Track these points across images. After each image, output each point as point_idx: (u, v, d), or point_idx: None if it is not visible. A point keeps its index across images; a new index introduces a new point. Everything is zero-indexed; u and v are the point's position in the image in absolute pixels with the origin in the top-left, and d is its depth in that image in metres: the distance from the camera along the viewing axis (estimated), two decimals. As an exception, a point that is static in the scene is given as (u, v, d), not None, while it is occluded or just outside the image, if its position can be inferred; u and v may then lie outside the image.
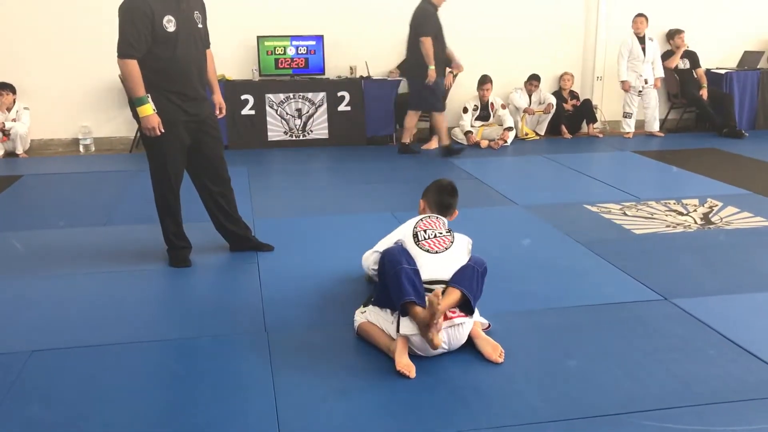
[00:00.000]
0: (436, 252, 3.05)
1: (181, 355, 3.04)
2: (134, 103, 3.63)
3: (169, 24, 3.60)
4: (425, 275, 2.97)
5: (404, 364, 2.79)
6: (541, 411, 2.54)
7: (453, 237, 3.15)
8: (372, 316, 3.06)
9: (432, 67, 6.83)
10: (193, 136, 3.86)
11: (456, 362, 2.92)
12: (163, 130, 3.67)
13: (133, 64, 3.56)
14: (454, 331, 2.90)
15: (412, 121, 7.36)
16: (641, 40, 8.08)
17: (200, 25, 3.82)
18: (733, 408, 2.56)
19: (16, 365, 2.87)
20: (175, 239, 4.02)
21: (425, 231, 3.13)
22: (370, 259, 3.38)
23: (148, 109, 3.62)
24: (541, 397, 2.63)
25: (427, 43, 6.82)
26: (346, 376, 2.80)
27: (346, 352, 3.01)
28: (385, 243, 3.23)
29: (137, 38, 3.54)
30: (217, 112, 4.08)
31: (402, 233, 3.19)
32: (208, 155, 3.96)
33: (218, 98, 4.13)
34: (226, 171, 4.09)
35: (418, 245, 3.07)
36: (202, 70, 3.86)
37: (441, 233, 3.14)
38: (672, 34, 8.52)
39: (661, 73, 8.31)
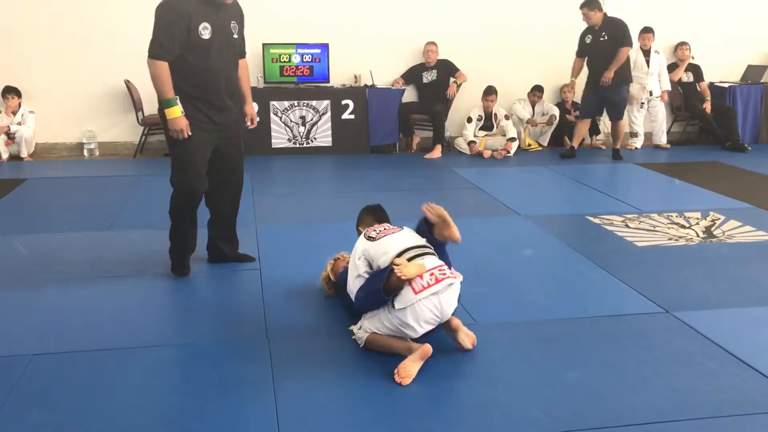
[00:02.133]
0: (394, 233, 3.18)
1: (183, 360, 3.04)
2: (162, 105, 3.57)
3: (205, 31, 3.52)
4: (396, 248, 3.04)
5: (405, 370, 2.79)
6: (542, 422, 2.54)
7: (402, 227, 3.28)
8: (373, 324, 3.05)
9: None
10: (216, 145, 3.78)
11: (457, 373, 2.93)
12: (190, 133, 3.60)
13: (163, 66, 3.49)
14: (447, 294, 2.95)
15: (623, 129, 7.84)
16: (646, 53, 8.12)
17: (235, 35, 3.73)
18: (734, 422, 2.56)
19: (17, 369, 2.88)
20: (178, 259, 3.93)
21: (375, 231, 3.23)
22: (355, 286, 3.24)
23: (177, 111, 3.54)
24: (541, 408, 2.63)
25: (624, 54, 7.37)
26: (347, 383, 2.81)
27: (347, 359, 3.01)
28: (354, 273, 3.17)
29: (170, 41, 3.46)
30: (249, 123, 4.03)
31: (360, 252, 3.17)
32: (229, 166, 3.88)
33: (250, 109, 4.03)
34: (237, 186, 4.01)
35: (377, 240, 3.14)
36: (231, 80, 3.77)
37: (390, 226, 3.28)
38: (676, 47, 8.55)
39: (667, 86, 8.34)
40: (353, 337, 3.11)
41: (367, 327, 3.06)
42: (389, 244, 3.09)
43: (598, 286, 3.91)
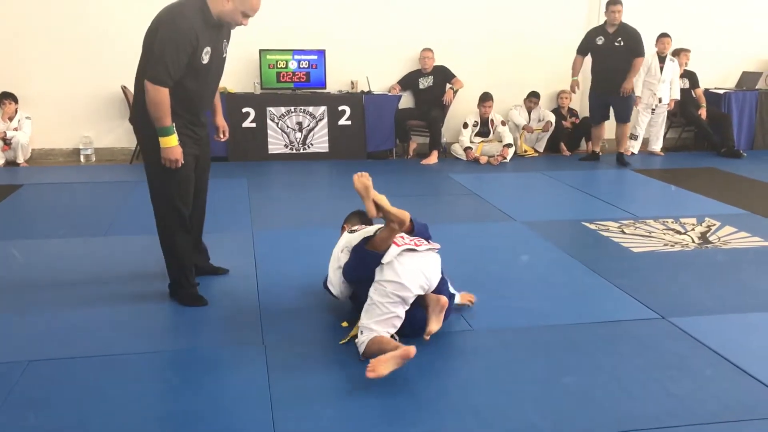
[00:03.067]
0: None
1: (179, 366, 3.04)
2: (158, 132, 3.31)
3: (206, 56, 3.35)
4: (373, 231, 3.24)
5: (378, 363, 2.74)
6: (538, 427, 2.55)
7: None
8: (371, 316, 3.01)
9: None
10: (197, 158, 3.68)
11: (454, 377, 2.93)
12: (183, 162, 3.43)
13: (165, 93, 3.24)
14: (428, 259, 3.11)
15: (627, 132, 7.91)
16: (662, 59, 8.14)
17: (225, 55, 3.60)
18: (729, 428, 2.56)
19: (13, 375, 2.87)
20: (186, 280, 3.70)
21: (356, 227, 3.44)
22: (335, 278, 3.40)
23: (173, 140, 3.32)
24: (538, 414, 2.64)
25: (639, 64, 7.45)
26: (344, 388, 2.81)
27: (344, 365, 3.01)
28: (335, 265, 3.40)
29: (176, 68, 3.24)
30: (221, 135, 3.92)
31: (342, 245, 3.38)
32: (202, 177, 3.76)
33: (221, 121, 3.93)
34: (206, 193, 3.85)
35: (357, 231, 3.34)
36: (213, 97, 3.71)
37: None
38: (676, 53, 8.58)
39: (677, 95, 8.35)
40: (356, 341, 3.07)
41: (365, 324, 3.02)
42: (367, 230, 3.28)
43: (594, 291, 3.92)
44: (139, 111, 3.45)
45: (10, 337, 3.27)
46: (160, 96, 3.25)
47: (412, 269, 3.04)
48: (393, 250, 3.05)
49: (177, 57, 3.22)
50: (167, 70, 3.22)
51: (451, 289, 3.43)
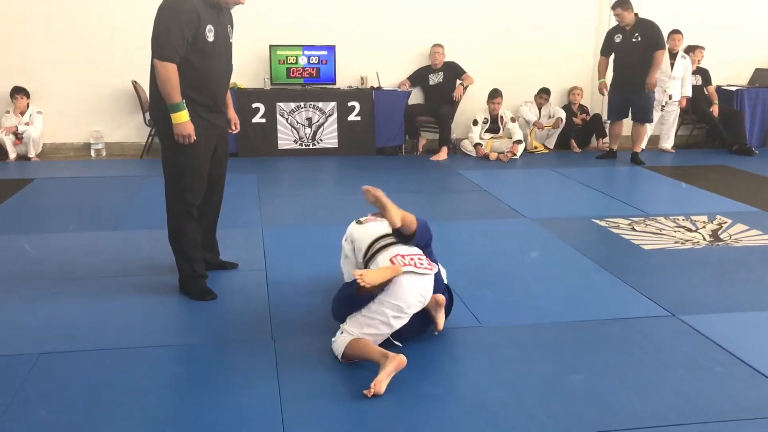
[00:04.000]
0: (378, 222, 3.28)
1: (188, 361, 3.05)
2: (168, 109, 3.41)
3: (210, 34, 3.45)
4: (373, 235, 3.19)
5: (380, 385, 2.71)
6: (546, 425, 2.54)
7: None
8: (355, 324, 2.98)
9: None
10: (214, 148, 3.72)
11: (462, 375, 2.93)
12: (195, 138, 3.49)
13: (174, 68, 3.36)
14: (426, 280, 3.02)
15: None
16: (673, 55, 8.08)
17: (231, 39, 3.69)
18: (739, 426, 2.55)
19: (24, 368, 2.89)
20: (192, 270, 3.71)
21: (365, 216, 3.41)
22: (344, 268, 3.43)
23: (184, 116, 3.41)
24: (545, 411, 2.63)
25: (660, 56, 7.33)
26: (352, 384, 2.80)
27: (353, 361, 3.01)
28: (342, 254, 3.41)
29: (181, 43, 3.35)
30: (233, 127, 3.95)
31: (347, 234, 3.39)
32: (220, 170, 3.83)
33: (233, 114, 3.96)
34: (222, 187, 3.91)
35: (363, 224, 3.34)
36: (227, 84, 3.76)
37: (380, 218, 3.30)
38: (690, 49, 8.52)
39: (688, 92, 8.28)
40: (332, 340, 3.02)
41: (349, 330, 2.98)
42: (370, 229, 3.24)
43: (604, 289, 3.91)
44: (153, 99, 3.56)
45: (22, 329, 3.29)
46: (169, 72, 3.37)
47: (411, 291, 2.95)
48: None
49: (181, 33, 3.35)
50: (173, 46, 3.35)
51: (445, 279, 3.40)
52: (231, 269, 4.09)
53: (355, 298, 2.97)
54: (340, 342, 2.97)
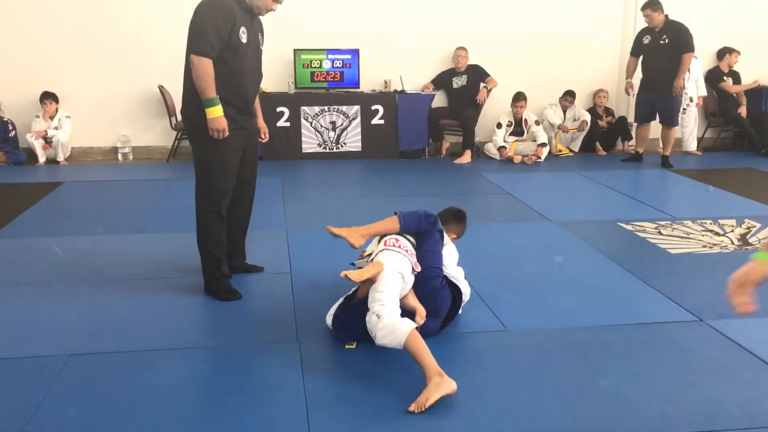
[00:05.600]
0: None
1: (214, 363, 3.08)
2: (204, 104, 3.49)
3: (243, 35, 3.55)
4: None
5: (427, 403, 2.64)
6: (572, 429, 2.52)
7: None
8: (393, 301, 2.96)
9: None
10: (243, 151, 3.77)
11: (488, 378, 2.92)
12: (228, 133, 3.56)
13: (210, 64, 3.45)
14: (397, 257, 3.06)
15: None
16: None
17: (261, 46, 3.78)
18: (769, 433, 2.52)
19: (54, 369, 2.94)
20: (217, 269, 3.76)
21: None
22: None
23: (219, 111, 3.50)
24: (571, 415, 2.61)
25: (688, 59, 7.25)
26: (378, 388, 2.80)
27: (378, 362, 3.01)
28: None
29: (217, 39, 3.45)
30: (262, 136, 3.99)
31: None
32: (250, 173, 3.88)
33: (262, 123, 4.01)
34: (253, 189, 3.96)
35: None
36: (257, 88, 3.82)
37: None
38: (726, 52, 8.42)
39: (703, 92, 8.24)
40: (373, 317, 2.89)
41: (383, 298, 2.92)
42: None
43: (630, 293, 3.87)
44: (187, 97, 3.64)
45: (52, 331, 3.34)
46: (205, 67, 3.45)
47: (392, 260, 3.04)
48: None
49: (217, 31, 3.45)
50: (209, 42, 3.44)
51: (462, 279, 3.41)
52: (257, 272, 4.12)
53: (348, 305, 3.04)
54: (400, 329, 2.80)
